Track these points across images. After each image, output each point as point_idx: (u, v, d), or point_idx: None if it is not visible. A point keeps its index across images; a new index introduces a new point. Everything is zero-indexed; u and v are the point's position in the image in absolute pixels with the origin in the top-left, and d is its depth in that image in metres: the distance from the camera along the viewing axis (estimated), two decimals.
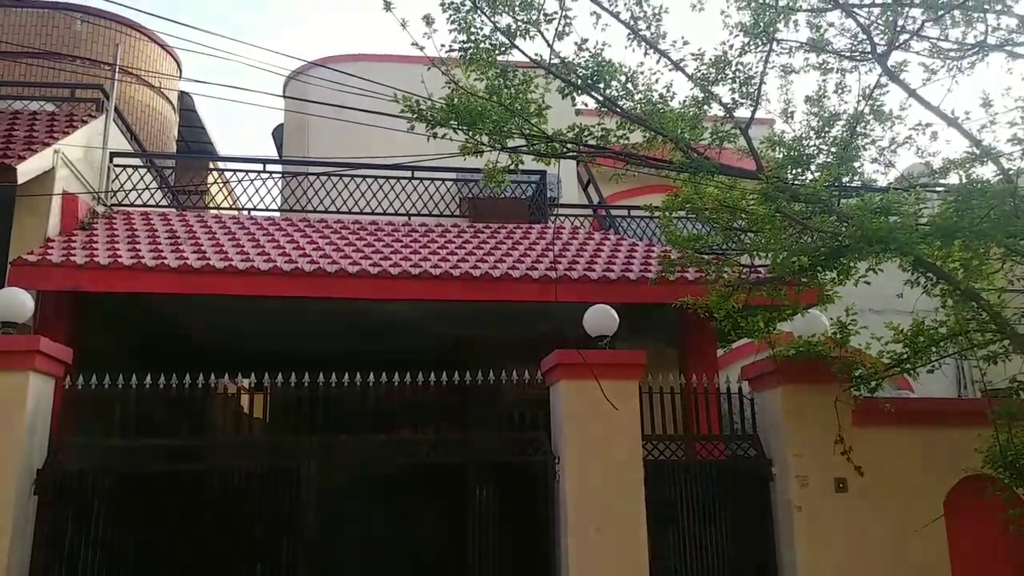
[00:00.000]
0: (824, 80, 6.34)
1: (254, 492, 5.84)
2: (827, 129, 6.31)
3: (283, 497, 5.84)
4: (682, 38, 7.10)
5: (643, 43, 6.22)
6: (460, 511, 6.15)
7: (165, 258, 7.26)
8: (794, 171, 6.32)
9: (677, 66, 6.32)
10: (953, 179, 5.88)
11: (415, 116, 6.06)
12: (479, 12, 6.00)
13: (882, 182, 6.45)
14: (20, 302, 5.87)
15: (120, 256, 7.19)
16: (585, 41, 6.16)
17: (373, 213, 9.51)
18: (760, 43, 6.09)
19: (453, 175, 9.86)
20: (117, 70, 10.14)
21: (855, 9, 5.82)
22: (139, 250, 7.47)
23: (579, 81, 6.24)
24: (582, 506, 5.89)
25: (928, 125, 5.75)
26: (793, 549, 6.02)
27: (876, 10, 5.76)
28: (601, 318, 6.38)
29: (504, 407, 6.84)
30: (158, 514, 5.69)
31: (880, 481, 6.17)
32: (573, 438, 6.04)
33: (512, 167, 6.47)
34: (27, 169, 7.34)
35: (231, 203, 9.83)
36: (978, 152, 5.40)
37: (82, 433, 5.97)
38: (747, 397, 6.69)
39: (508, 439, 6.27)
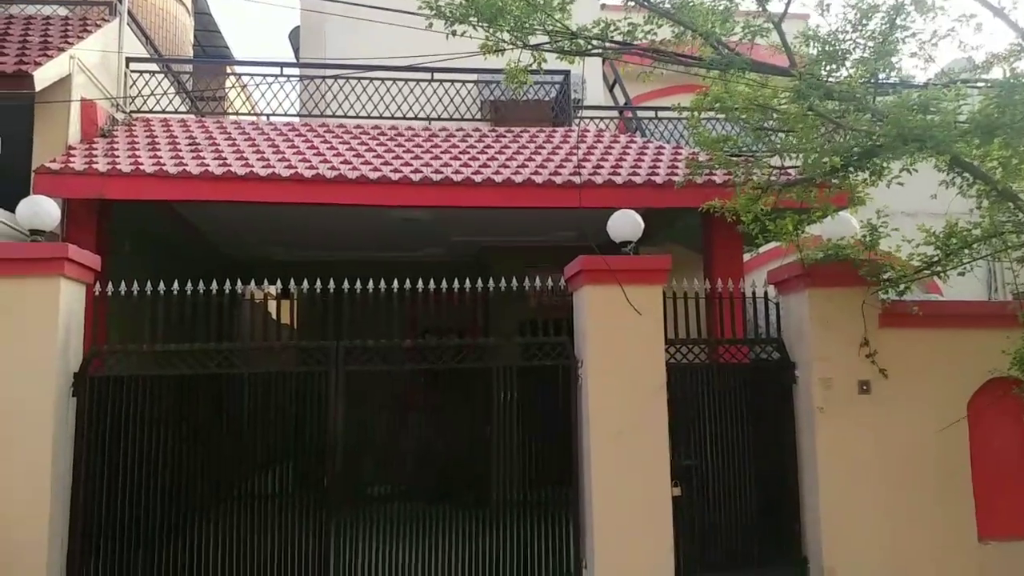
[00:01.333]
0: None
1: (281, 396, 5.99)
2: (864, 22, 5.99)
3: (310, 401, 5.99)
4: None
5: None
6: (485, 416, 6.29)
7: (186, 165, 7.24)
8: (828, 67, 6.04)
9: None
10: (996, 74, 5.62)
11: (433, 12, 5.84)
12: None
13: (921, 78, 6.18)
14: (46, 210, 5.90)
15: (142, 163, 7.18)
16: None
17: (393, 117, 9.35)
18: None
19: (474, 77, 9.61)
20: None
21: None
22: (160, 157, 7.45)
23: None
24: (605, 409, 5.97)
25: (972, 16, 5.45)
26: (815, 450, 6.10)
27: None
28: (626, 223, 6.30)
29: (528, 313, 6.88)
30: (189, 416, 5.87)
31: (904, 384, 6.17)
32: (596, 343, 6.07)
33: (534, 66, 6.26)
34: (44, 76, 7.27)
35: (249, 108, 9.69)
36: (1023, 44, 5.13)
37: (113, 339, 6.11)
38: (773, 301, 6.65)
39: (532, 344, 6.32)
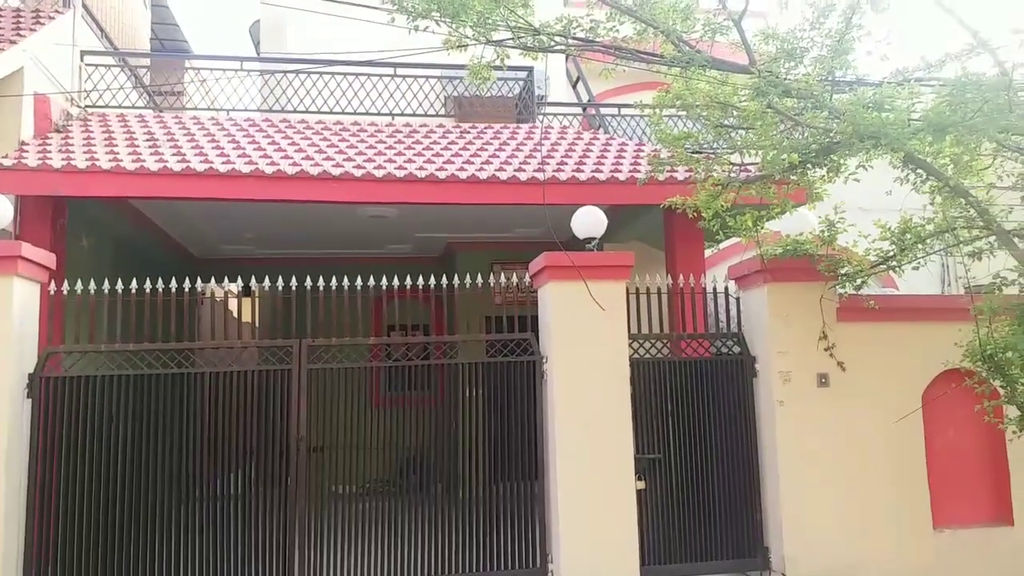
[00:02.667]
0: None
1: (243, 395, 5.92)
2: (821, 20, 6.09)
3: (272, 400, 5.93)
4: None
5: None
6: (451, 412, 6.29)
7: (144, 161, 7.10)
8: (787, 65, 6.13)
9: None
10: (949, 73, 5.74)
11: (395, 7, 5.81)
12: None
13: (877, 77, 6.29)
14: None
15: (98, 159, 7.02)
16: None
17: (355, 113, 9.28)
18: None
19: (437, 73, 9.58)
20: None
21: None
22: (117, 153, 7.30)
23: None
24: (569, 404, 6.01)
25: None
26: (775, 442, 6.21)
27: None
28: (589, 220, 6.34)
29: (494, 309, 6.88)
30: (149, 417, 5.77)
31: (861, 376, 6.31)
32: (560, 338, 6.11)
33: (498, 62, 6.26)
34: None
35: (209, 103, 9.54)
36: (975, 43, 5.24)
37: (69, 339, 5.99)
38: (733, 296, 6.75)
39: (497, 341, 6.33)
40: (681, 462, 6.28)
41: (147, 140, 7.81)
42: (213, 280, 6.73)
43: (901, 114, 5.17)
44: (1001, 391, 5.36)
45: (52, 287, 5.88)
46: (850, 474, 6.21)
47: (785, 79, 5.79)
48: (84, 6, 9.15)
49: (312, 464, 5.95)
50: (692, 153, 6.73)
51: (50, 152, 7.15)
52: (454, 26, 5.90)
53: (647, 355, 6.38)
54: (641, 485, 6.10)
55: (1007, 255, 5.43)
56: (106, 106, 8.87)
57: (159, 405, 5.80)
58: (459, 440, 6.19)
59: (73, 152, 7.20)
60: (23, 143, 7.37)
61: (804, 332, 6.29)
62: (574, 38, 6.33)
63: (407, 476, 6.17)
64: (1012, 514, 6.40)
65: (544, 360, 6.20)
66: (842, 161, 5.76)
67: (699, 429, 6.35)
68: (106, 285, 5.88)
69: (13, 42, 7.43)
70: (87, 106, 8.80)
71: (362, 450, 6.01)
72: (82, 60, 8.81)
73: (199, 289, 6.27)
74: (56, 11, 8.58)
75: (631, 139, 9.87)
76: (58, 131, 7.88)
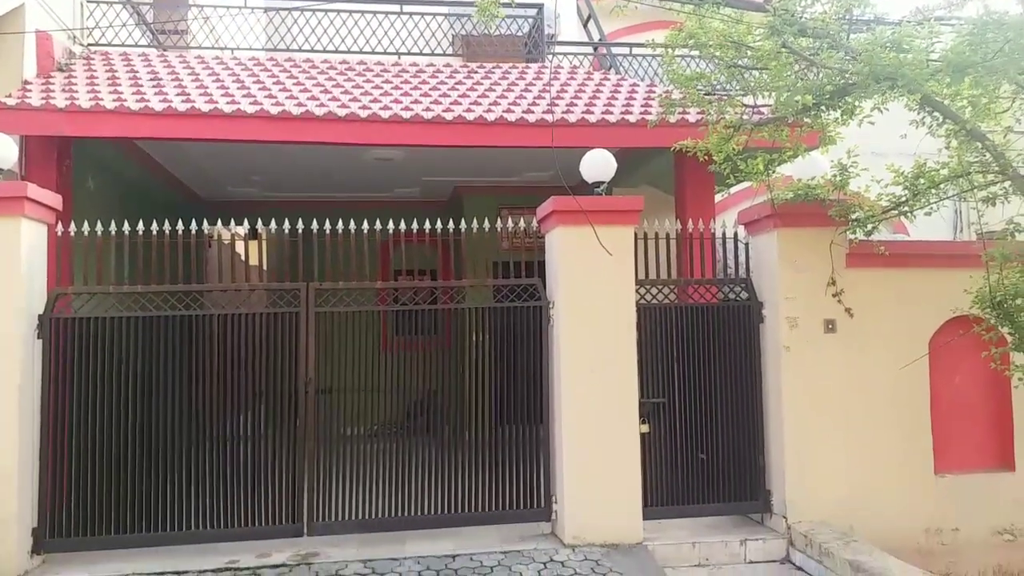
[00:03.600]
0: None
1: (251, 338, 5.96)
2: None
3: (280, 342, 5.97)
4: None
5: None
6: (458, 356, 6.32)
7: (148, 101, 7.02)
8: (803, 3, 5.94)
9: None
10: (971, 11, 5.56)
11: None
12: None
13: (896, 15, 6.10)
14: (3, 148, 5.71)
15: (102, 99, 6.95)
16: None
17: (361, 52, 9.11)
18: None
19: (445, 10, 9.37)
20: None
21: None
22: (121, 92, 7.21)
23: None
24: (575, 349, 6.03)
25: None
26: (780, 387, 6.22)
27: None
28: (598, 164, 6.25)
29: (501, 254, 6.86)
30: (157, 358, 5.83)
31: (869, 322, 6.28)
32: (568, 284, 6.09)
33: None
34: None
35: (213, 42, 9.38)
36: None
37: (77, 281, 6.01)
38: (742, 241, 6.69)
39: (504, 285, 6.33)
40: (686, 407, 6.32)
41: (151, 79, 7.71)
42: (220, 222, 6.71)
43: (919, 54, 5.03)
44: (1008, 338, 5.33)
45: (59, 228, 5.88)
46: (854, 420, 6.24)
47: (801, 18, 5.62)
48: None
49: (320, 406, 6.02)
50: (704, 95, 6.58)
51: (53, 92, 7.07)
52: None
53: (654, 300, 6.36)
54: (645, 429, 6.16)
55: (1022, 201, 5.34)
56: (109, 44, 8.74)
57: (168, 347, 5.85)
58: (466, 384, 6.23)
59: (77, 92, 7.12)
60: (26, 82, 7.29)
61: (813, 278, 6.25)
62: None
63: (414, 418, 6.24)
64: (1014, 460, 6.45)
65: (551, 305, 6.20)
66: (857, 103, 5.62)
67: (705, 374, 6.37)
68: (113, 226, 5.88)
69: None
70: (90, 44, 8.67)
71: (370, 392, 6.07)
72: None
73: (206, 231, 6.26)
74: None
75: (642, 80, 9.67)
76: (61, 70, 7.78)
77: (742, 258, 6.67)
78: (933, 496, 6.29)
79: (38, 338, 5.63)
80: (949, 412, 6.44)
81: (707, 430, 6.33)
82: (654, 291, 6.38)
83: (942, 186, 5.76)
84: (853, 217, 6.16)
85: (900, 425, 6.30)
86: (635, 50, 10.10)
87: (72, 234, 5.86)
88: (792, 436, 6.18)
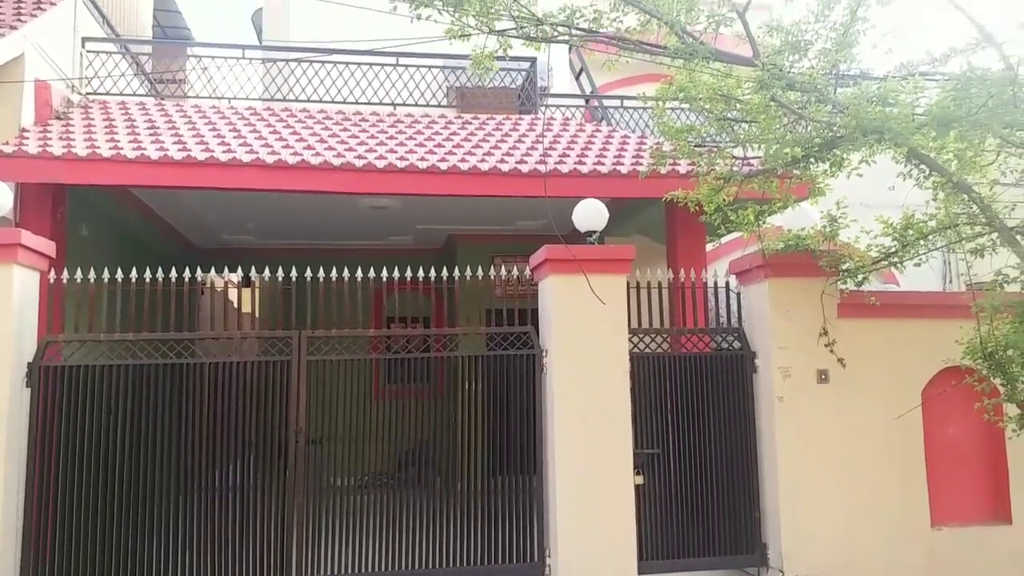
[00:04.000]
0: None
1: (242, 386, 5.91)
2: (826, 13, 6.05)
3: (272, 391, 5.92)
4: None
5: None
6: (450, 405, 6.28)
7: (145, 149, 7.08)
8: (791, 58, 6.09)
9: None
10: (954, 67, 5.70)
11: None
12: None
13: (882, 71, 6.24)
14: None
15: (98, 147, 7.00)
16: None
17: (357, 103, 9.25)
18: None
19: (440, 62, 9.54)
20: None
21: None
22: (118, 141, 7.28)
23: None
24: (569, 398, 6.00)
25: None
26: (774, 438, 6.19)
27: None
28: (591, 213, 6.32)
29: (494, 302, 6.87)
30: (148, 407, 5.76)
31: (862, 372, 6.29)
32: (560, 332, 6.09)
33: (500, 52, 6.21)
34: None
35: (211, 92, 9.51)
36: (981, 38, 5.20)
37: (68, 328, 5.98)
38: (734, 291, 6.72)
39: (497, 333, 6.32)
40: (680, 458, 6.27)
41: (148, 128, 7.79)
42: (213, 270, 6.71)
43: (905, 109, 5.13)
44: (1001, 389, 5.33)
45: (52, 275, 5.86)
46: (849, 471, 6.20)
47: (789, 72, 5.75)
48: None
49: (311, 456, 5.94)
50: (695, 146, 6.69)
51: (50, 139, 7.13)
52: (457, 15, 5.85)
53: (647, 349, 6.36)
54: (640, 480, 6.09)
55: (1009, 252, 5.40)
56: (107, 93, 8.84)
57: (158, 395, 5.79)
58: (458, 433, 6.18)
59: (74, 139, 7.18)
60: (23, 130, 7.35)
61: (805, 328, 6.27)
62: (577, 28, 6.28)
63: (406, 469, 6.17)
64: (1011, 513, 6.39)
65: (544, 353, 6.19)
66: (845, 156, 5.72)
67: (699, 424, 6.33)
68: (106, 274, 5.87)
69: (14, 28, 7.40)
70: (88, 93, 8.77)
71: (361, 442, 6.01)
72: (83, 47, 8.78)
73: (199, 279, 6.26)
74: None
75: (634, 132, 9.83)
76: (59, 118, 7.86)
77: (734, 307, 6.70)
78: (929, 549, 6.22)
79: (26, 386, 5.56)
80: (944, 464, 6.41)
81: (702, 482, 6.27)
82: (647, 340, 6.38)
83: (930, 237, 5.84)
84: (843, 267, 6.21)
85: (895, 477, 6.26)
86: (626, 103, 10.29)
87: (65, 281, 5.85)
88: (787, 488, 6.13)
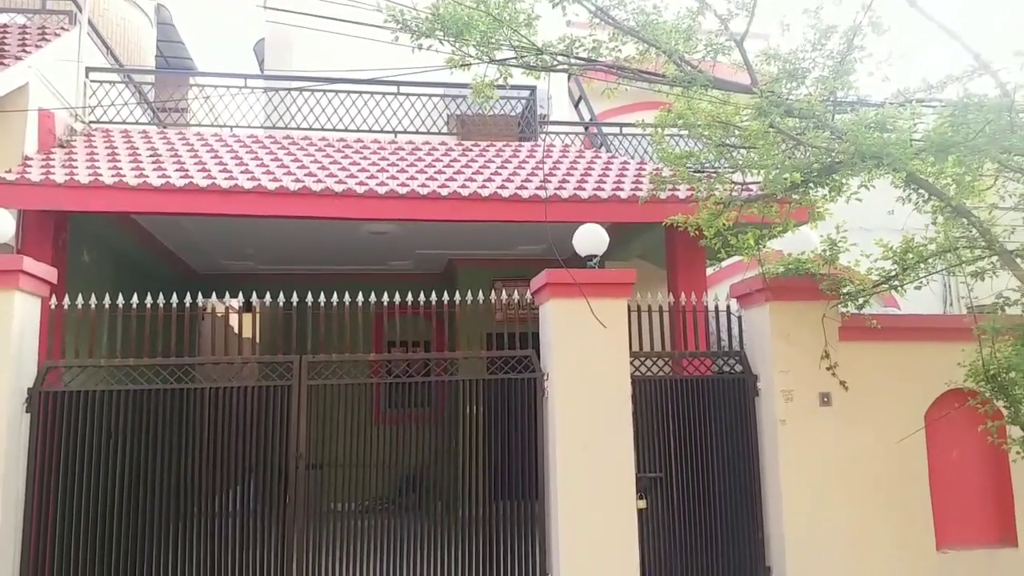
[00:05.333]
0: None
1: (243, 411, 5.89)
2: (823, 42, 6.13)
3: (272, 416, 5.90)
4: None
5: None
6: (451, 429, 6.26)
7: (147, 176, 7.12)
8: (789, 85, 6.17)
9: None
10: (951, 94, 5.77)
11: (399, 26, 5.84)
12: None
13: (878, 97, 6.32)
14: (1, 222, 5.77)
15: (101, 174, 7.04)
16: None
17: (359, 130, 9.33)
18: None
19: (440, 91, 9.64)
20: None
21: None
22: (120, 168, 7.32)
23: None
24: (570, 422, 5.98)
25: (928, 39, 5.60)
26: (777, 461, 6.16)
27: None
28: (591, 237, 6.35)
29: (495, 326, 6.88)
30: (148, 432, 5.74)
31: (864, 395, 6.28)
32: (562, 356, 6.08)
33: (501, 81, 6.29)
34: (1, 85, 7.11)
35: (213, 120, 9.59)
36: (977, 65, 5.27)
37: (69, 354, 5.97)
38: (735, 315, 6.74)
39: (498, 357, 6.32)
40: (683, 481, 6.23)
41: (150, 156, 7.84)
42: (214, 295, 6.73)
43: (903, 134, 5.19)
44: (1004, 411, 5.33)
45: (53, 301, 5.87)
46: (853, 494, 6.16)
47: (787, 99, 5.81)
48: (90, 23, 9.22)
49: (311, 481, 5.91)
50: (694, 172, 6.74)
51: (53, 167, 7.17)
52: (458, 45, 5.93)
53: (648, 373, 6.35)
54: (642, 504, 6.05)
55: (1009, 275, 5.43)
56: (110, 122, 8.91)
57: (158, 420, 5.77)
58: (459, 458, 6.15)
59: (76, 167, 7.23)
60: (27, 158, 7.40)
61: (806, 351, 6.27)
62: (577, 57, 6.36)
63: (407, 494, 6.13)
64: (1016, 535, 6.35)
65: (545, 377, 6.18)
66: (844, 181, 5.77)
67: (701, 448, 6.30)
68: (107, 299, 5.87)
69: (19, 58, 7.48)
70: (91, 122, 8.84)
71: (362, 467, 5.97)
72: (87, 76, 8.87)
73: (200, 304, 6.27)
74: (62, 28, 8.65)
75: (633, 158, 9.90)
76: (62, 146, 7.91)
77: (735, 331, 6.70)
78: (935, 572, 6.17)
79: (26, 412, 5.54)
80: (948, 486, 6.38)
81: (705, 505, 6.23)
82: (648, 363, 6.37)
83: (930, 261, 5.87)
84: (844, 291, 6.23)
85: (899, 499, 6.22)
86: (625, 129, 10.38)
87: (66, 307, 5.85)
88: (791, 511, 6.09)
